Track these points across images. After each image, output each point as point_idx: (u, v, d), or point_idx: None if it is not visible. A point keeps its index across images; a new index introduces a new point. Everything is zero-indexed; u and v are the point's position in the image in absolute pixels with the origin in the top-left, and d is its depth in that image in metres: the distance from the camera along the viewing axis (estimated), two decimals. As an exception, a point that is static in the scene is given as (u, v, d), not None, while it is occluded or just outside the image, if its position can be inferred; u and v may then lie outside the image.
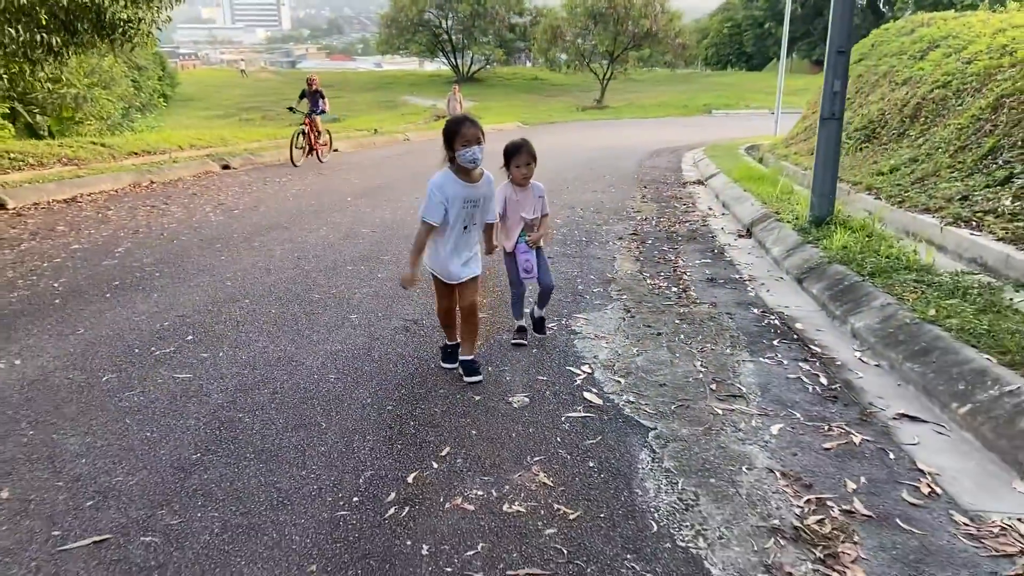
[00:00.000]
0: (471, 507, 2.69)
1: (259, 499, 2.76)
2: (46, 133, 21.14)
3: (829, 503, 2.69)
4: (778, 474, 2.91)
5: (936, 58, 14.09)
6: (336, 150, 17.21)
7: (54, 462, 3.04)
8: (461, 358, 3.97)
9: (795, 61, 67.07)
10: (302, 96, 15.37)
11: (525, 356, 4.26)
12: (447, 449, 3.13)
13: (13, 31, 9.88)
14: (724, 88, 54.19)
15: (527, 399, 3.64)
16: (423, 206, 3.65)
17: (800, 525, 2.56)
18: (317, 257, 6.77)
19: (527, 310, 4.65)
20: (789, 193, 9.45)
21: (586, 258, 6.71)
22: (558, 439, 3.22)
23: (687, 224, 8.59)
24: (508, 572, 2.33)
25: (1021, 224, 6.76)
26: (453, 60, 64.09)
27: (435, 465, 3.01)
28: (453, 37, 62.71)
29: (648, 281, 5.94)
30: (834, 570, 2.31)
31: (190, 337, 4.58)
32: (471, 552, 2.43)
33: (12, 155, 12.67)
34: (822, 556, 2.39)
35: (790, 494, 2.77)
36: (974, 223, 7.19)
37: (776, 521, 2.59)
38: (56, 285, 5.82)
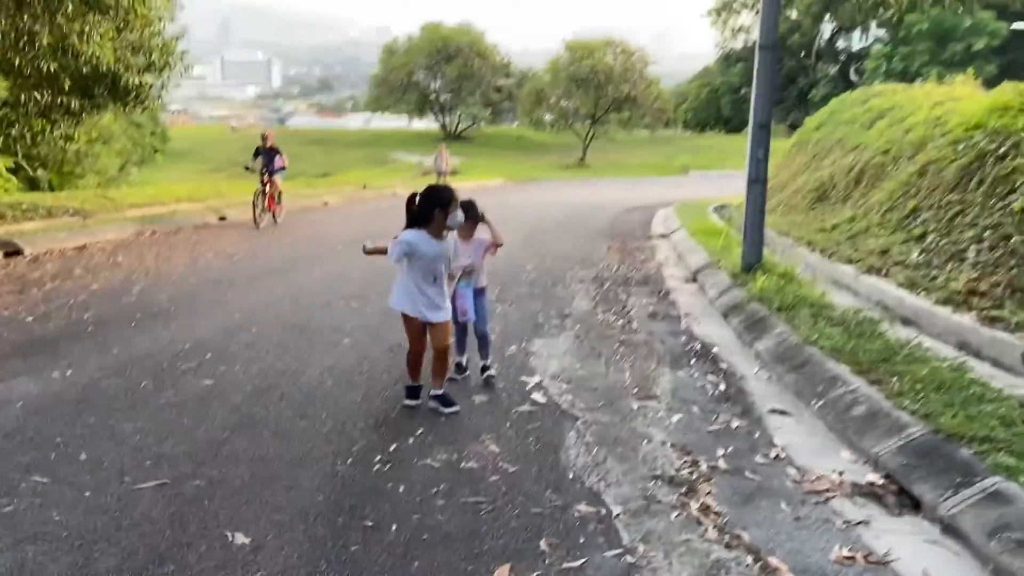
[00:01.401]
0: (437, 464, 3.64)
1: (277, 461, 3.68)
2: (46, 187, 22.09)
3: (700, 462, 3.66)
4: (668, 445, 3.88)
5: (881, 127, 15.47)
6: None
7: (115, 438, 3.96)
8: (433, 393, 4.43)
9: (772, 126, 69.61)
10: (256, 154, 14.02)
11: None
12: (420, 430, 4.08)
13: (38, 95, 10.96)
14: (702, 150, 56.19)
15: (486, 398, 4.61)
16: (391, 251, 4.26)
17: (674, 474, 3.52)
18: (313, 295, 7.73)
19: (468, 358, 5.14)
20: (733, 245, 10.56)
21: (549, 297, 7.72)
22: (507, 424, 4.17)
23: (643, 271, 9.65)
24: (461, 500, 3.26)
25: (919, 273, 7.87)
26: (441, 119, 66.16)
27: (410, 440, 3.95)
28: (441, 97, 64.88)
29: (599, 316, 6.95)
30: (691, 498, 3.27)
31: (208, 355, 5.51)
32: (435, 490, 3.37)
33: (24, 206, 13.64)
34: (685, 491, 3.35)
35: (674, 457, 3.73)
36: (884, 272, 8.29)
37: (658, 472, 3.56)
38: (86, 317, 6.74)
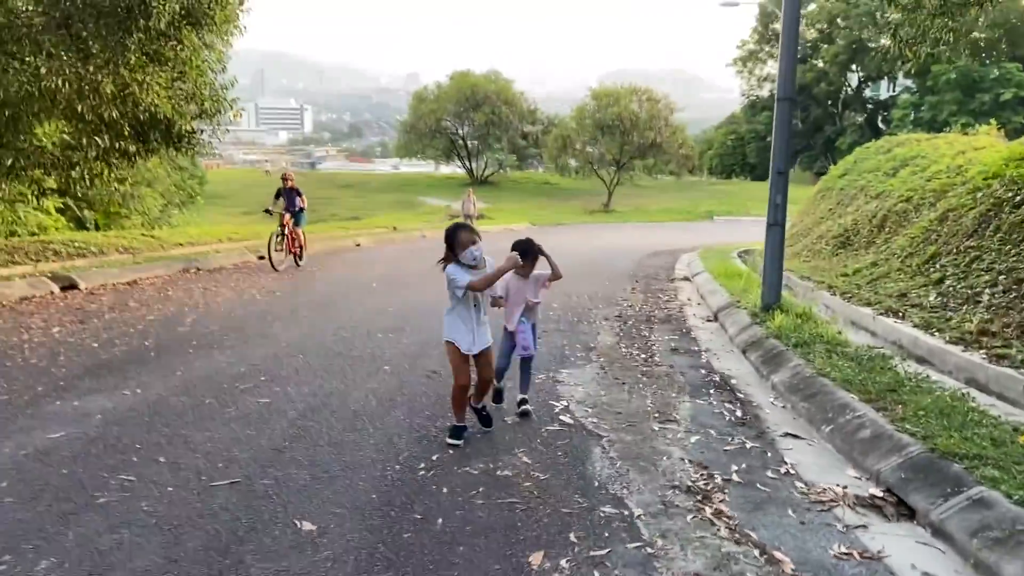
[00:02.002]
0: (475, 471, 4.04)
1: (332, 466, 4.11)
2: (92, 227, 23.03)
3: (715, 475, 4.02)
4: (687, 461, 4.25)
5: (904, 175, 15.85)
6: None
7: (188, 445, 4.41)
8: (472, 405, 4.74)
9: (797, 172, 70.20)
10: (278, 195, 14.28)
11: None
12: (460, 444, 4.48)
13: (99, 140, 11.72)
14: (727, 196, 56.68)
15: (518, 418, 5.00)
16: (456, 281, 4.36)
17: (691, 484, 3.89)
18: (353, 327, 8.21)
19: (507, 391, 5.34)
20: (754, 287, 10.92)
21: (575, 333, 8.12)
22: (538, 440, 4.57)
23: (666, 311, 10.03)
24: (497, 500, 3.66)
25: (935, 315, 8.19)
26: (468, 164, 67.49)
27: (450, 452, 4.36)
28: (469, 143, 66.31)
29: (623, 350, 7.33)
30: (706, 504, 3.63)
31: (263, 378, 5.98)
32: (474, 492, 3.77)
33: (76, 244, 14.41)
34: (700, 498, 3.71)
35: (691, 471, 4.10)
36: (901, 314, 8.61)
37: (676, 482, 3.93)
38: (147, 343, 7.27)
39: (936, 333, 7.47)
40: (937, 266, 10.14)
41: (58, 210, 20.89)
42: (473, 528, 3.37)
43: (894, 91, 72.25)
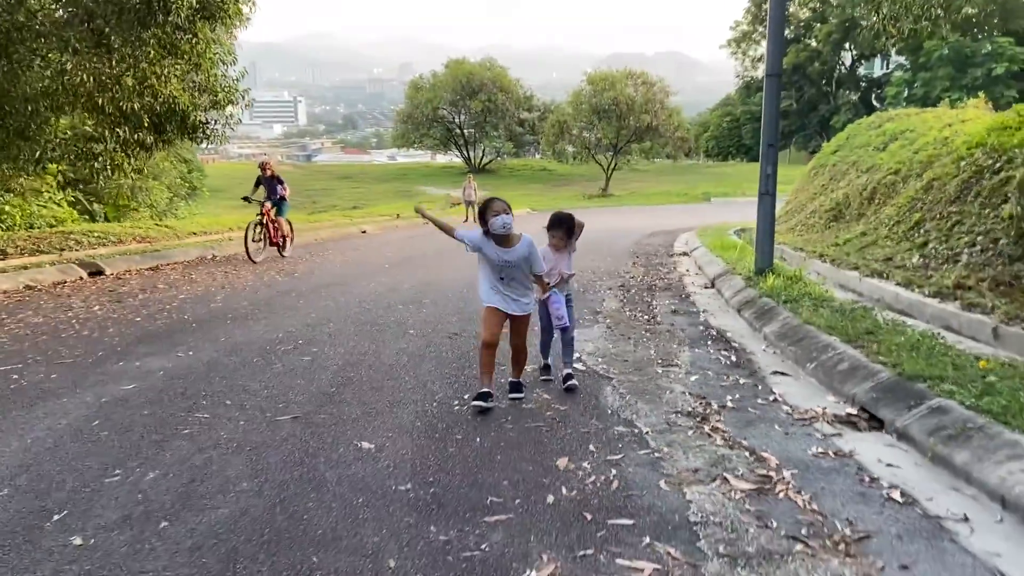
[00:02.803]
0: (503, 405, 4.62)
1: (378, 404, 4.69)
2: (102, 219, 23.55)
3: (712, 403, 4.61)
4: (687, 394, 4.84)
5: (894, 149, 16.38)
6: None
7: (248, 391, 5.00)
8: (512, 380, 4.84)
9: (792, 152, 70.61)
10: (258, 184, 13.75)
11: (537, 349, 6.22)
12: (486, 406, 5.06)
13: (120, 131, 12.26)
14: (723, 178, 57.11)
15: (565, 392, 5.55)
16: (465, 236, 4.64)
17: (691, 410, 4.48)
18: (374, 301, 8.79)
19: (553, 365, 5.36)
20: (748, 256, 11.49)
21: (582, 300, 8.69)
22: (558, 383, 5.14)
23: (666, 280, 10.61)
24: (525, 425, 4.24)
25: (916, 274, 8.77)
26: (465, 153, 67.89)
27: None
28: (466, 131, 66.69)
29: (627, 313, 7.92)
30: (704, 424, 4.22)
31: (300, 342, 6.56)
32: (504, 419, 4.36)
33: (96, 234, 14.97)
34: (699, 419, 4.30)
35: (691, 400, 4.69)
36: (885, 275, 9.19)
37: (679, 409, 4.52)
38: (186, 317, 7.85)
39: (916, 289, 8.05)
40: (921, 231, 10.70)
41: (69, 203, 21.42)
42: (506, 443, 3.96)
43: (887, 69, 72.54)
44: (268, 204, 13.36)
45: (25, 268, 10.97)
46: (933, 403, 3.98)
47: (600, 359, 5.86)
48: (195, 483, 3.49)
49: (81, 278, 11.15)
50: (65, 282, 10.68)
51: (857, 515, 3.06)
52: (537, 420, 4.35)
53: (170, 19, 10.89)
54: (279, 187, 13.54)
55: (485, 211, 4.53)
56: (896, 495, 3.24)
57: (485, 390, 4.58)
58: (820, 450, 3.80)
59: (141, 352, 6.21)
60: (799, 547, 2.79)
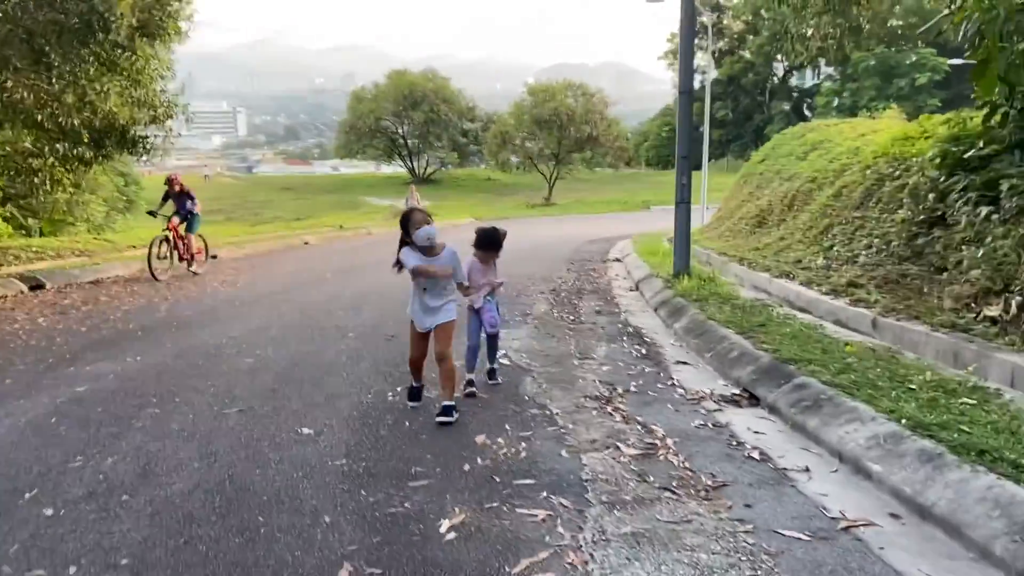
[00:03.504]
0: (432, 396, 5.14)
1: (317, 396, 5.17)
2: (38, 233, 23.23)
3: (618, 388, 5.22)
4: (597, 382, 5.44)
5: (813, 158, 17.43)
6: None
7: (196, 390, 5.41)
8: (444, 404, 4.63)
9: (730, 161, 72.75)
10: (166, 198, 13.03)
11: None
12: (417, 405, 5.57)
13: (60, 147, 12.40)
14: (663, 186, 58.39)
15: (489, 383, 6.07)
16: (405, 263, 4.62)
17: (598, 394, 5.07)
18: (315, 308, 9.21)
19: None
20: (671, 260, 12.25)
21: (514, 304, 9.26)
22: (484, 376, 5.68)
23: (595, 285, 11.27)
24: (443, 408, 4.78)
25: (818, 275, 9.59)
26: (409, 163, 68.13)
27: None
28: (409, 142, 66.95)
29: (555, 314, 8.52)
30: (608, 405, 4.81)
31: (244, 346, 6.96)
32: (431, 408, 4.88)
33: (33, 248, 14.98)
34: (604, 401, 4.89)
35: (599, 386, 5.29)
36: (792, 276, 10.00)
37: (588, 394, 5.10)
38: (131, 327, 8.15)
39: (815, 287, 8.85)
40: (829, 235, 11.59)
41: (4, 219, 21.14)
42: (432, 426, 4.49)
43: (818, 79, 75.36)
44: (175, 220, 12.73)
45: (-36, 283, 11.04)
46: (798, 381, 4.65)
47: (524, 355, 6.42)
48: (151, 464, 3.92)
49: (22, 292, 11.25)
50: (6, 296, 10.78)
51: (720, 470, 3.68)
52: (461, 405, 4.88)
53: (109, 37, 11.14)
54: (189, 202, 13.01)
55: (407, 223, 4.66)
56: (755, 455, 3.88)
57: (417, 385, 5.00)
58: (701, 423, 4.43)
59: (91, 358, 6.54)
60: (667, 494, 3.39)
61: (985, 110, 8.18)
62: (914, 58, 56.84)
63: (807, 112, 71.66)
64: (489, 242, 5.29)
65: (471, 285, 5.10)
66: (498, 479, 3.63)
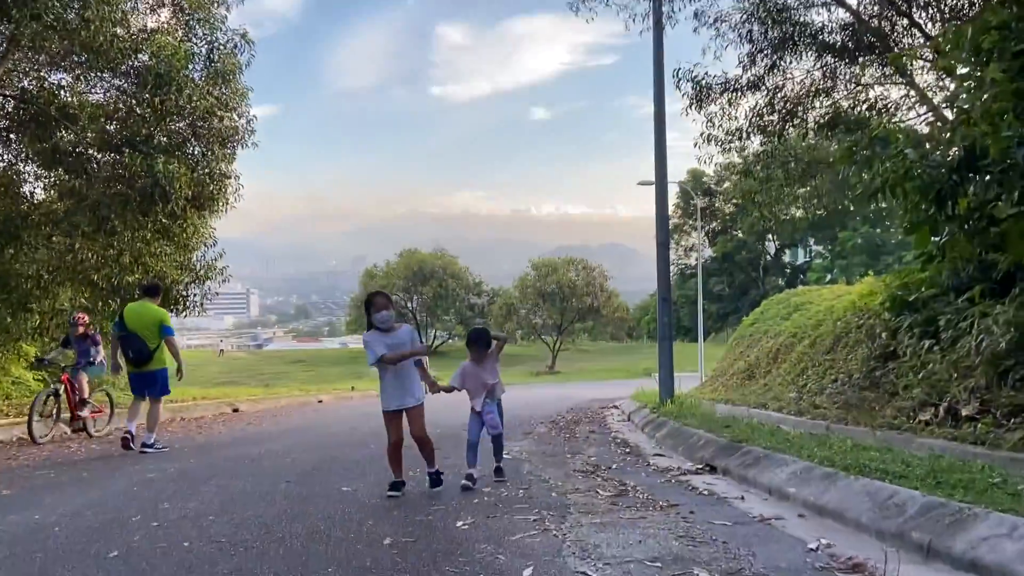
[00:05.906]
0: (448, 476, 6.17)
1: (338, 477, 6.18)
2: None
3: (601, 465, 6.24)
4: (583, 463, 6.46)
5: (795, 318, 18.89)
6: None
7: (250, 471, 6.42)
8: (428, 471, 5.43)
9: (729, 333, 74.68)
10: (66, 343, 10.99)
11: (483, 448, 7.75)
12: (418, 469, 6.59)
13: (112, 302, 13.92)
14: (663, 355, 59.87)
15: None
16: (370, 348, 5.08)
17: (584, 469, 6.10)
18: (335, 438, 10.25)
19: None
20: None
21: (515, 429, 10.30)
22: (489, 467, 6.70)
23: (591, 418, 12.31)
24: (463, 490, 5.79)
25: (787, 403, 10.69)
26: (418, 335, 70.07)
27: (418, 470, 6.47)
28: (418, 316, 69.45)
29: (553, 435, 9.56)
30: (593, 476, 5.83)
31: (276, 456, 7.99)
32: (446, 486, 5.89)
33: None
34: (590, 473, 5.91)
35: (586, 465, 6.31)
36: (766, 405, 11.09)
37: (576, 469, 6.13)
38: (178, 446, 9.19)
39: (784, 411, 9.92)
40: (803, 377, 12.76)
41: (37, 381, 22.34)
42: (445, 485, 5.51)
43: (809, 256, 78.90)
44: (67, 373, 10.34)
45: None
46: (744, 449, 5.71)
47: (527, 454, 7.46)
48: (226, 503, 4.95)
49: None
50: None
51: (675, 499, 4.72)
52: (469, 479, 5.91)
53: (167, 207, 12.97)
54: (92, 349, 10.58)
55: (369, 307, 5.14)
56: (705, 492, 4.90)
57: (397, 480, 5.38)
58: (667, 480, 5.45)
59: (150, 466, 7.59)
60: (631, 509, 4.42)
61: (923, 258, 9.57)
62: (900, 236, 60.00)
63: (800, 286, 74.35)
64: (478, 337, 5.63)
65: (466, 389, 5.64)
66: (500, 505, 4.65)
